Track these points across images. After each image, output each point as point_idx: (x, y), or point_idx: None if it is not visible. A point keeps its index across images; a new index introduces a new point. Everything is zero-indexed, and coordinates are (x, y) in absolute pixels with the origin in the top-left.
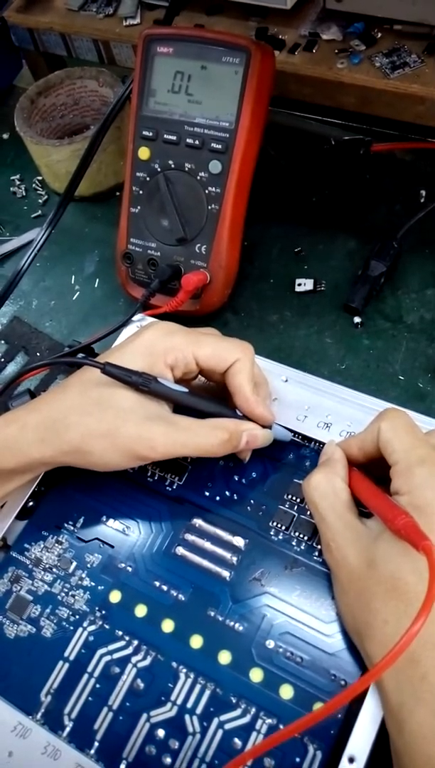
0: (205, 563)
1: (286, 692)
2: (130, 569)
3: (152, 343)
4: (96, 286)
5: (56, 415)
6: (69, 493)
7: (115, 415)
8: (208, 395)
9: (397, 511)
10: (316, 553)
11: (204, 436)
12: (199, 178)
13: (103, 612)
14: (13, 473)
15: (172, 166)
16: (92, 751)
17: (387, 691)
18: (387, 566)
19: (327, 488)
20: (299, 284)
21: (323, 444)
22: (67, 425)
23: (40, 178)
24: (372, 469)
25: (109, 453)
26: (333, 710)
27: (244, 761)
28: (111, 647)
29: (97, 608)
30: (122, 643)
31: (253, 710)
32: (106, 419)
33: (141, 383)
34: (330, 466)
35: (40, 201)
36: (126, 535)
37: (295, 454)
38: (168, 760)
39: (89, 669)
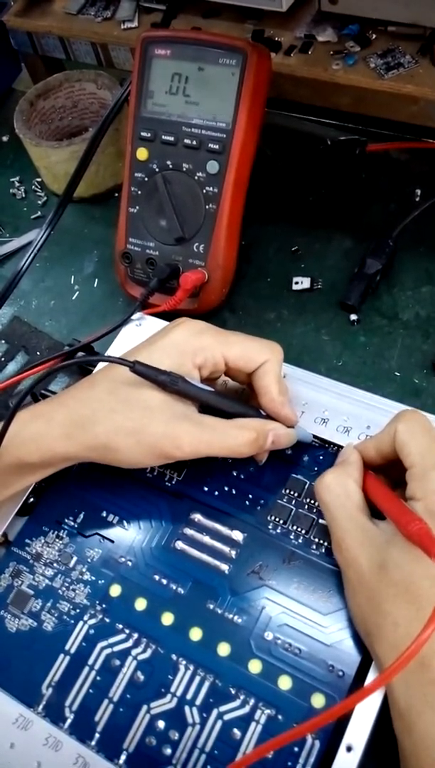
0: (204, 557)
1: (285, 683)
2: (130, 563)
3: (182, 342)
4: (95, 285)
5: (83, 411)
6: (69, 490)
7: (142, 414)
8: (234, 397)
9: (410, 516)
10: (314, 546)
11: (232, 437)
12: (196, 178)
13: (104, 606)
14: (36, 467)
15: (170, 166)
16: (93, 743)
17: (396, 693)
18: (399, 570)
19: (338, 488)
20: (296, 282)
21: (320, 439)
22: (94, 421)
23: (39, 179)
24: (390, 471)
25: (135, 450)
26: (341, 714)
27: (246, 763)
28: (111, 640)
29: (97, 602)
30: (122, 636)
31: (252, 701)
32: (133, 417)
33: (168, 382)
34: (343, 467)
35: (39, 202)
36: (126, 530)
37: (292, 449)
38: (168, 750)
39: (90, 662)
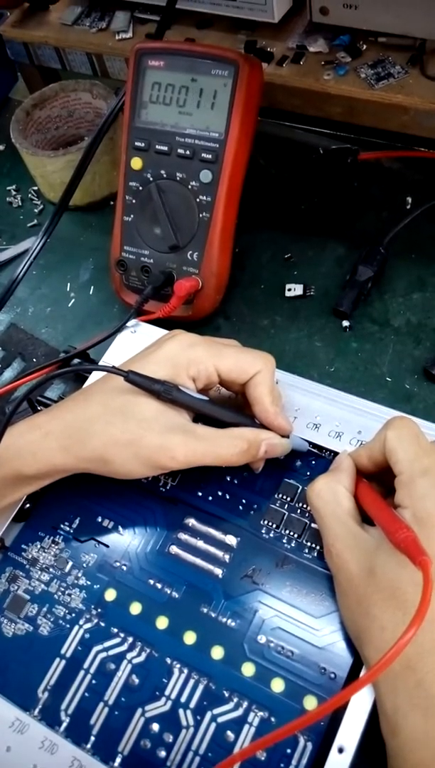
0: (198, 561)
1: (278, 686)
2: (124, 568)
3: (175, 355)
4: (91, 293)
5: (79, 424)
6: (65, 495)
7: (138, 425)
8: (227, 404)
9: (398, 524)
10: (306, 551)
11: (224, 447)
12: (190, 187)
13: (99, 610)
14: (33, 479)
15: (164, 175)
16: (88, 746)
17: (382, 695)
18: (387, 575)
19: (328, 494)
20: (289, 289)
21: (313, 444)
22: (90, 434)
23: (35, 188)
24: (384, 478)
25: (131, 462)
26: (327, 712)
27: (234, 762)
28: (106, 644)
29: (92, 606)
30: (117, 640)
31: (246, 704)
32: (128, 429)
33: (163, 391)
34: (334, 474)
35: (35, 211)
36: (121, 534)
37: (285, 455)
38: (162, 753)
39: (85, 665)
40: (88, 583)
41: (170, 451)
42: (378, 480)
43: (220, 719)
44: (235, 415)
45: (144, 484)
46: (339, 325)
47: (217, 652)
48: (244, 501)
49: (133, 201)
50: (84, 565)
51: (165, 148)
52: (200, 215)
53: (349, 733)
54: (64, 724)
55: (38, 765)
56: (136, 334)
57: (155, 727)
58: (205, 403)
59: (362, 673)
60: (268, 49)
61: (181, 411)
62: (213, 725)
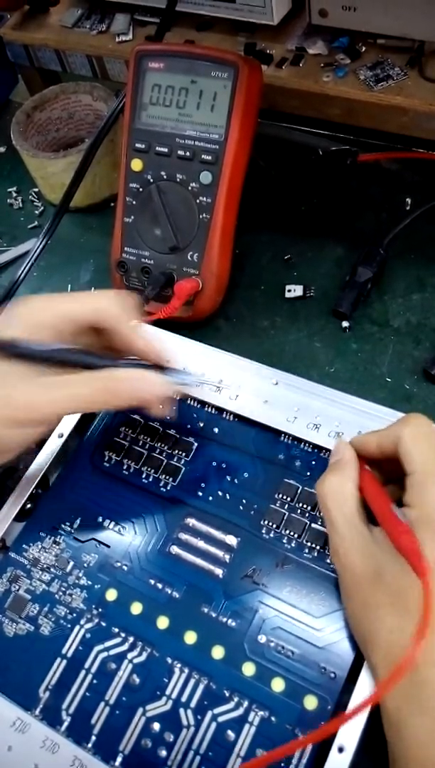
0: (199, 561)
1: (278, 685)
2: (125, 568)
3: (15, 314)
4: None
5: None
6: (66, 495)
7: None
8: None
9: (401, 527)
10: (306, 551)
11: (80, 387)
12: (190, 188)
13: (100, 610)
14: None
15: (164, 177)
16: (90, 745)
17: (385, 696)
18: (393, 577)
19: (339, 493)
20: (289, 290)
21: (313, 444)
22: None
23: (36, 190)
24: (385, 466)
25: None
26: (335, 730)
27: None
28: (107, 644)
29: (93, 606)
30: (118, 640)
31: (246, 703)
32: None
33: (6, 346)
34: (343, 469)
35: (36, 212)
36: (122, 535)
37: (285, 455)
38: (163, 752)
39: (86, 665)
40: (89, 583)
41: (32, 402)
42: (376, 466)
43: (220, 719)
44: (93, 357)
45: (144, 484)
46: (339, 325)
47: (218, 652)
48: (244, 501)
49: (134, 202)
50: (85, 565)
51: (165, 150)
52: (200, 216)
53: (349, 733)
54: (65, 724)
55: (39, 764)
56: None
57: (156, 726)
58: (54, 350)
59: (362, 673)
60: (268, 51)
61: (33, 365)
62: (213, 725)
